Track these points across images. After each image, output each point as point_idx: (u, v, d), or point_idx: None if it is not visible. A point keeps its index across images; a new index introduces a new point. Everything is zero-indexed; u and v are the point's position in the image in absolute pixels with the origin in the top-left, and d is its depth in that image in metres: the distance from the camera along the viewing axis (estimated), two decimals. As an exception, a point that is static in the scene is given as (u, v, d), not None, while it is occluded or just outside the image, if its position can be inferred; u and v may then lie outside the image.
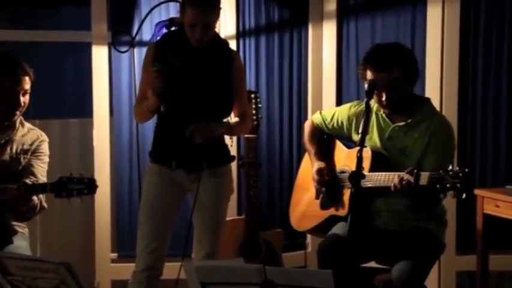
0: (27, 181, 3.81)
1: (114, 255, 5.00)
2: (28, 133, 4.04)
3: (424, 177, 3.64)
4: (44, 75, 5.17)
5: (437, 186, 3.58)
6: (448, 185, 3.55)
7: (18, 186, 3.73)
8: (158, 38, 4.31)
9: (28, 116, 4.92)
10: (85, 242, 5.06)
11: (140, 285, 3.97)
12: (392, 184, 3.74)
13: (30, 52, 5.12)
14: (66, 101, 5.27)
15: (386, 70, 3.88)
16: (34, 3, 5.13)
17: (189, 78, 3.82)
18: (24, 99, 3.92)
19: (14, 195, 3.73)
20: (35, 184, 3.81)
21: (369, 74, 3.92)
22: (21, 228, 4.07)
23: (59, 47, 5.23)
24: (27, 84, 3.91)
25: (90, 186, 3.74)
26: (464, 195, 3.58)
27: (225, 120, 3.98)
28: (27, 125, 4.08)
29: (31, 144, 4.02)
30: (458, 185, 3.53)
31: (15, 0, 5.09)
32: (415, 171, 3.67)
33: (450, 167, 3.57)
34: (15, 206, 3.83)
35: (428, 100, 4.15)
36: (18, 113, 3.93)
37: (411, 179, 3.67)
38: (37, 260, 3.20)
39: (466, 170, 3.56)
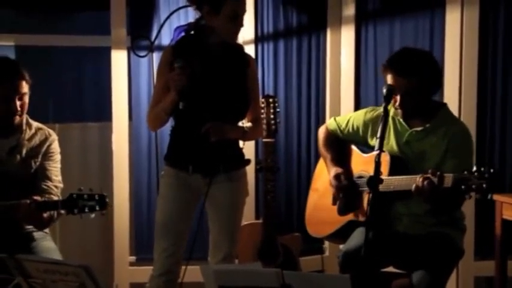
0: (38, 198, 3.77)
1: (133, 258, 5.03)
2: (36, 134, 4.03)
3: (448, 178, 3.62)
4: (64, 80, 5.25)
5: (463, 187, 3.56)
6: (473, 186, 3.52)
7: (29, 203, 3.71)
8: (176, 41, 4.31)
9: (48, 120, 5.00)
10: (104, 246, 5.09)
11: None
12: (414, 185, 3.73)
13: (50, 57, 5.19)
14: (86, 105, 5.29)
15: (405, 76, 3.88)
16: (54, 8, 5.14)
17: (207, 81, 3.84)
18: (22, 103, 3.89)
19: (26, 213, 3.72)
20: (46, 201, 3.78)
21: (389, 76, 3.93)
22: (43, 232, 4.10)
23: (79, 51, 5.25)
24: (23, 88, 3.88)
25: (102, 202, 3.74)
26: (490, 196, 3.57)
27: (239, 124, 3.99)
28: (35, 124, 4.07)
29: (40, 146, 4.01)
30: (484, 185, 3.52)
31: (35, 6, 5.11)
32: (438, 173, 3.66)
33: (475, 168, 3.56)
34: (27, 222, 3.85)
35: (445, 105, 4.14)
36: (17, 117, 3.91)
37: (434, 180, 3.66)
38: (57, 263, 3.22)
39: (492, 170, 3.54)
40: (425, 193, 3.68)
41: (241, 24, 3.85)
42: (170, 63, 3.89)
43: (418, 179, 3.69)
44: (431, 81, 3.95)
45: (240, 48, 4.07)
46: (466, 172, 3.56)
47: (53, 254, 3.85)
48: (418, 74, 3.88)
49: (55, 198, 3.86)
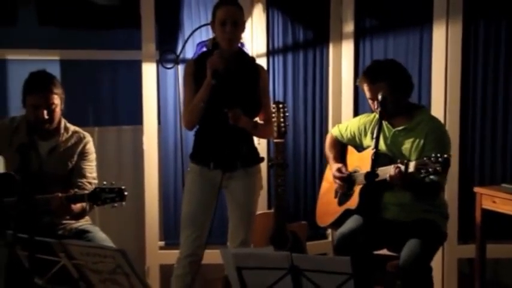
0: (71, 191, 3.82)
1: (162, 243, 5.03)
2: (72, 136, 4.06)
3: (412, 164, 3.70)
4: (102, 89, 5.28)
5: (423, 171, 3.63)
6: (430, 170, 3.60)
7: (60, 196, 3.75)
8: (198, 55, 4.34)
9: (88, 124, 5.03)
10: (137, 232, 5.10)
11: (184, 269, 4.01)
12: (388, 174, 3.78)
13: (90, 69, 5.20)
14: (121, 110, 5.30)
15: (375, 82, 3.94)
16: (93, 26, 5.16)
17: (225, 88, 3.85)
18: (50, 112, 3.90)
19: (57, 205, 3.76)
20: (74, 195, 3.80)
21: (364, 86, 4.00)
22: (86, 221, 4.13)
23: (115, 64, 5.28)
24: (52, 100, 3.89)
25: (120, 194, 3.76)
26: (442, 178, 3.64)
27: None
28: (72, 128, 4.09)
29: (76, 147, 4.04)
30: (438, 168, 3.58)
31: (77, 24, 5.13)
32: (405, 161, 3.72)
33: (433, 155, 3.61)
34: (59, 214, 3.87)
35: (423, 107, 4.20)
36: (48, 125, 3.93)
37: (402, 167, 3.72)
38: (97, 247, 3.26)
39: (445, 155, 3.60)
40: (396, 179, 3.75)
41: (230, 31, 3.82)
42: (193, 74, 3.93)
43: (391, 169, 3.75)
44: (399, 83, 3.98)
45: (252, 60, 4.11)
46: (425, 158, 3.63)
47: (108, 243, 3.88)
48: (385, 78, 3.93)
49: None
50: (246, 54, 4.13)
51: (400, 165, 3.74)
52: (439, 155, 3.60)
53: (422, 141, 3.96)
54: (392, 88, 3.94)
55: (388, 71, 4.00)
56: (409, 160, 3.77)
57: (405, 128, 4.03)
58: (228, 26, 3.82)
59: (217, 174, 3.94)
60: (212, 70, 3.79)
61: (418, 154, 3.94)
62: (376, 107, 3.96)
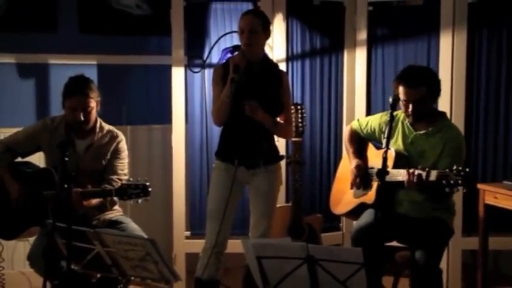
0: (106, 186, 3.83)
1: (188, 233, 5.01)
2: (106, 135, 4.05)
3: (433, 174, 3.63)
4: (135, 91, 5.29)
5: (444, 182, 3.56)
6: (451, 181, 3.54)
7: (80, 191, 3.73)
8: (223, 60, 4.35)
9: (122, 123, 5.04)
10: (165, 223, 5.10)
11: (209, 260, 4.00)
12: (405, 178, 3.72)
13: (125, 72, 5.22)
14: (152, 110, 5.30)
15: (415, 87, 3.86)
16: (128, 34, 5.18)
17: (249, 89, 3.85)
18: (86, 114, 3.89)
19: (76, 198, 3.73)
20: (99, 190, 3.80)
21: (401, 89, 3.91)
22: (119, 212, 4.12)
23: (147, 68, 5.28)
24: (88, 103, 3.89)
25: (145, 190, 3.74)
26: (465, 190, 3.57)
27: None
28: (107, 127, 4.08)
29: (109, 145, 4.03)
30: (459, 181, 3.52)
31: (112, 32, 5.14)
32: (427, 168, 3.65)
33: (455, 167, 3.55)
34: (77, 206, 3.78)
35: (444, 114, 4.13)
36: (84, 125, 3.92)
37: (423, 174, 3.65)
38: (129, 236, 3.25)
39: (467, 169, 3.54)
40: (413, 185, 3.68)
41: (246, 37, 3.87)
42: (221, 76, 3.93)
43: (410, 173, 3.69)
44: (434, 90, 3.94)
45: (275, 65, 4.11)
46: (447, 170, 3.56)
47: (140, 233, 3.87)
48: (424, 84, 3.87)
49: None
50: (270, 60, 4.16)
51: (420, 171, 3.67)
52: (461, 167, 3.54)
53: (440, 147, 3.91)
54: (430, 93, 3.89)
55: (428, 76, 3.95)
56: (430, 168, 3.69)
57: (426, 133, 3.96)
58: (245, 33, 3.88)
59: (241, 171, 3.93)
60: (233, 65, 3.82)
61: (436, 158, 3.88)
62: (410, 109, 3.89)
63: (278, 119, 4.01)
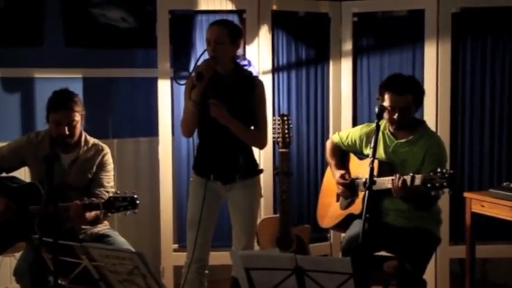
0: (86, 201, 3.77)
1: (176, 245, 5.00)
2: (91, 149, 4.01)
3: (418, 178, 3.64)
4: (121, 103, 5.26)
5: (429, 185, 3.57)
6: (437, 184, 3.54)
7: (78, 204, 3.71)
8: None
9: (108, 136, 5.00)
10: (153, 235, 5.07)
11: (192, 275, 3.98)
12: (391, 184, 3.72)
13: (111, 85, 5.19)
14: (138, 123, 5.27)
15: (402, 94, 3.87)
16: (113, 47, 5.16)
17: (218, 100, 3.79)
18: (71, 129, 3.86)
19: (74, 212, 3.72)
20: (90, 203, 3.77)
21: (387, 96, 3.91)
22: (105, 226, 4.09)
23: (133, 81, 5.26)
24: (73, 117, 3.85)
25: (133, 202, 3.72)
26: (451, 192, 3.57)
27: None
28: (91, 141, 4.05)
29: (95, 158, 3.99)
30: (444, 183, 3.52)
31: (98, 45, 5.12)
32: (411, 174, 3.66)
33: (439, 169, 3.55)
34: (75, 220, 3.80)
35: (424, 122, 4.14)
36: (69, 139, 3.88)
37: (408, 179, 3.65)
38: (116, 250, 3.22)
39: (451, 171, 3.54)
40: (399, 190, 3.68)
41: (211, 49, 3.79)
42: (192, 88, 3.83)
43: (395, 179, 3.69)
44: (418, 99, 3.95)
45: (248, 75, 4.01)
46: (431, 173, 3.57)
47: (127, 247, 3.84)
48: (411, 92, 3.89)
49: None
50: (242, 70, 4.03)
51: (405, 177, 3.67)
52: (445, 170, 3.54)
53: (422, 155, 3.91)
54: (415, 101, 3.91)
55: (413, 84, 3.97)
56: (414, 173, 3.69)
57: (407, 141, 3.97)
58: (211, 44, 3.80)
59: (218, 186, 3.90)
60: (196, 72, 3.74)
61: (418, 166, 3.89)
62: (395, 116, 3.89)
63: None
